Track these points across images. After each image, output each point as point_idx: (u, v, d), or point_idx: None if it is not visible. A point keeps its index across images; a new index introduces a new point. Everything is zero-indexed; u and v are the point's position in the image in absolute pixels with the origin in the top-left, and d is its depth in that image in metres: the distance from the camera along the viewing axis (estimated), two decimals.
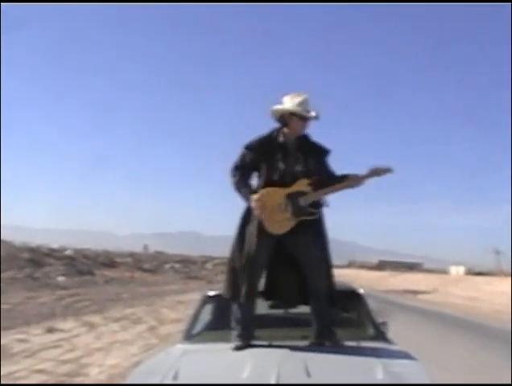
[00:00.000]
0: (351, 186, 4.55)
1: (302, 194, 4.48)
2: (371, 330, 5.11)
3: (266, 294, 4.83)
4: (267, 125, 4.75)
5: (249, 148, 4.64)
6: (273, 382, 3.39)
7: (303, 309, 4.99)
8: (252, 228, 4.55)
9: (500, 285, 41.93)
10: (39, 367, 9.34)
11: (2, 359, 9.75)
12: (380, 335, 5.00)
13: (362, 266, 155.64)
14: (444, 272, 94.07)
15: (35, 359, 9.98)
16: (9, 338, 11.87)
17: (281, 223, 4.48)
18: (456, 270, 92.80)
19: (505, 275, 68.02)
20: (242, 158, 4.64)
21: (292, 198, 4.47)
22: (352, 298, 5.52)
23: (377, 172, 4.45)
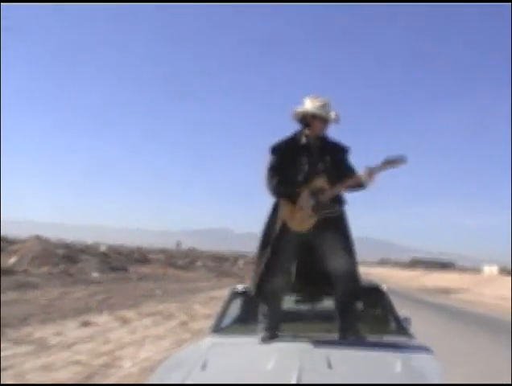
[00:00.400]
0: (365, 181, 4.61)
1: (320, 190, 4.62)
2: (393, 325, 5.28)
3: (295, 289, 5.05)
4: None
5: (276, 151, 4.82)
6: (296, 372, 3.58)
7: (328, 304, 5.20)
8: (276, 228, 4.72)
9: None
10: (75, 358, 9.63)
11: (41, 350, 10.09)
12: (402, 330, 5.17)
13: (395, 264, 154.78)
14: (478, 270, 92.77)
15: (71, 351, 10.28)
16: (46, 331, 12.21)
17: (302, 220, 4.63)
18: (490, 269, 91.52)
19: None
20: (273, 161, 4.80)
21: (311, 194, 4.61)
22: (375, 294, 5.71)
23: (389, 163, 4.48)
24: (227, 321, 5.50)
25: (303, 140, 4.81)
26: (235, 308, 5.70)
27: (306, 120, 4.78)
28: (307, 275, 4.95)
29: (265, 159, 4.88)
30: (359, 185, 4.68)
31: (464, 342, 13.98)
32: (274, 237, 4.71)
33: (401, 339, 4.84)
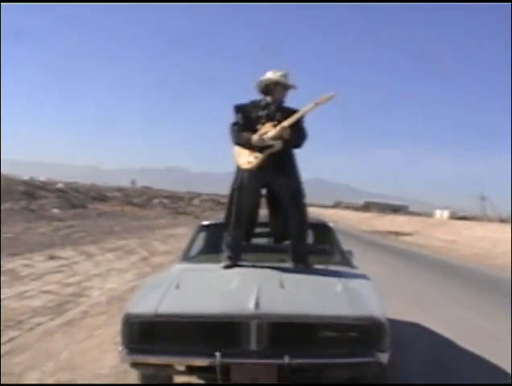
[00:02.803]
0: (300, 116, 5.52)
1: (265, 133, 5.49)
2: (338, 257, 6.17)
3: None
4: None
5: (239, 109, 5.70)
6: (255, 291, 4.40)
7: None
8: (239, 174, 5.66)
9: (480, 229, 42.59)
10: (46, 288, 10.31)
11: (13, 280, 10.73)
12: (345, 261, 6.06)
13: (348, 207, 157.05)
14: (429, 215, 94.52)
15: (42, 282, 10.94)
16: (16, 263, 12.82)
17: (250, 160, 5.52)
18: (441, 214, 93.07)
19: (489, 220, 69.34)
20: (236, 118, 5.68)
21: (259, 138, 5.47)
22: (324, 230, 6.64)
23: (320, 102, 5.40)
24: (194, 251, 6.31)
25: (263, 102, 5.68)
26: (201, 240, 6.52)
27: (268, 88, 5.65)
28: (273, 217, 5.84)
29: (230, 116, 5.74)
30: (297, 137, 5.60)
31: (404, 277, 15.07)
32: (238, 180, 5.63)
33: (344, 268, 5.71)
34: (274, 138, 5.45)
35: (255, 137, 5.43)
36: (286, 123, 5.45)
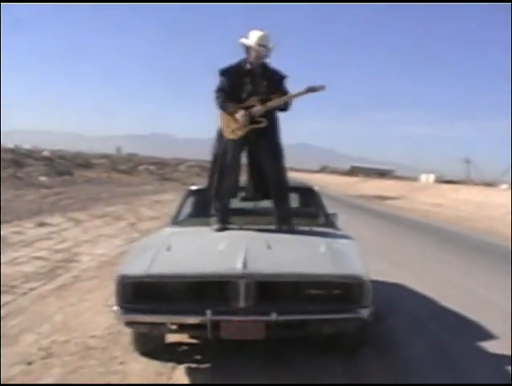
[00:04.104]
0: (289, 100, 5.77)
1: (252, 107, 5.67)
2: (322, 219, 6.40)
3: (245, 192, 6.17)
4: None
5: (224, 73, 5.84)
6: (243, 250, 4.62)
7: (267, 203, 6.24)
8: (222, 140, 5.87)
9: (464, 193, 42.88)
10: (37, 254, 10.42)
11: (4, 247, 10.84)
12: (329, 223, 6.29)
13: (334, 172, 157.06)
14: (415, 179, 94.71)
15: (32, 248, 11.06)
16: (6, 230, 12.89)
17: (234, 131, 5.72)
18: (426, 178, 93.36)
19: (475, 184, 69.92)
20: (221, 82, 5.82)
21: (245, 111, 5.66)
22: (309, 194, 6.87)
23: (310, 89, 5.59)
24: (183, 215, 6.50)
25: (248, 66, 5.81)
26: (189, 204, 6.72)
27: (249, 50, 5.76)
28: (254, 179, 6.02)
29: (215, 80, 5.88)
30: (284, 106, 5.79)
31: (388, 239, 15.35)
32: (220, 147, 5.88)
33: (328, 230, 5.94)
34: (260, 116, 5.65)
35: (240, 113, 5.61)
36: (273, 104, 5.65)
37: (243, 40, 5.74)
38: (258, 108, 5.63)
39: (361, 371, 5.10)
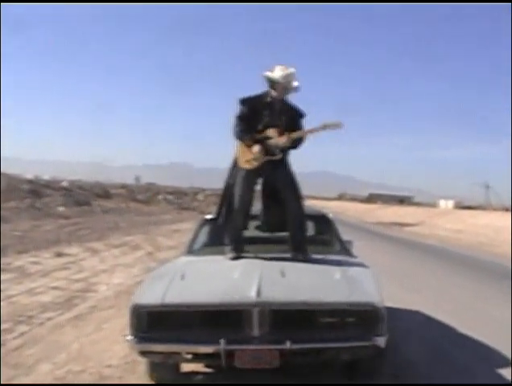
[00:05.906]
0: (304, 135, 5.85)
1: (268, 138, 5.72)
2: (337, 247, 6.39)
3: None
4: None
5: (244, 103, 5.86)
6: (257, 278, 4.62)
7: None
8: (235, 169, 5.91)
9: (484, 218, 42.66)
10: (54, 284, 10.46)
11: (22, 277, 10.91)
12: (344, 250, 6.27)
13: (353, 199, 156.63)
14: (434, 205, 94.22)
15: (50, 278, 11.09)
16: (24, 260, 12.97)
17: (249, 161, 5.73)
18: (445, 204, 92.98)
19: (494, 209, 69.45)
20: (241, 111, 5.85)
21: (262, 141, 5.71)
22: (324, 222, 6.86)
23: (327, 126, 5.70)
24: (198, 244, 6.52)
25: (268, 99, 5.83)
26: (204, 233, 6.72)
27: (272, 84, 5.76)
28: (269, 211, 6.04)
29: (234, 109, 5.92)
30: (297, 141, 5.82)
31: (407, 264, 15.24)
32: (235, 178, 5.90)
33: (343, 257, 5.92)
34: (276, 148, 5.68)
35: (256, 148, 5.64)
36: (288, 139, 5.69)
37: (268, 74, 5.76)
38: (283, 140, 5.67)
39: None
